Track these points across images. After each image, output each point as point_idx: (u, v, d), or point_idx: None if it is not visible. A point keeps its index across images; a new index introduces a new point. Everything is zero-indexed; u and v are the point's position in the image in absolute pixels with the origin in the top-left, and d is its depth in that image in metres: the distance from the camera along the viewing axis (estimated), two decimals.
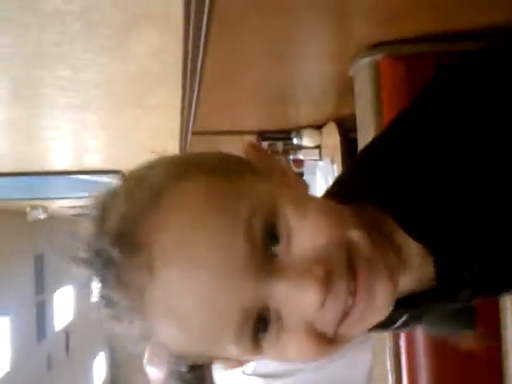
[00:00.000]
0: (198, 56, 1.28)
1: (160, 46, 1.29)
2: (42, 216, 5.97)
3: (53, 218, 7.04)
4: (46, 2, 1.06)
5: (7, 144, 2.51)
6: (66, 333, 9.18)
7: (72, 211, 7.19)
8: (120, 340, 0.51)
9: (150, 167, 0.48)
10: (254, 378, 1.26)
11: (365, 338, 1.23)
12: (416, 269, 0.51)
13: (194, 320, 0.43)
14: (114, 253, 0.44)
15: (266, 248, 0.43)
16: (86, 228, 0.49)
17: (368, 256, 0.44)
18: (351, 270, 0.43)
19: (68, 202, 6.02)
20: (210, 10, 1.03)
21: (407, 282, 0.51)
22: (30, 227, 6.61)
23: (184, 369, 1.34)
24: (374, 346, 1.23)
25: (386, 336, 1.23)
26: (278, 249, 0.43)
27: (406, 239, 0.50)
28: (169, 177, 0.45)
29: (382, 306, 0.44)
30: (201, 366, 1.34)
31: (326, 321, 0.44)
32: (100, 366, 12.13)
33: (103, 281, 0.48)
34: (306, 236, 0.43)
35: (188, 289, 0.42)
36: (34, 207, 5.76)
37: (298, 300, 0.42)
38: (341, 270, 0.43)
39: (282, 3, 1.02)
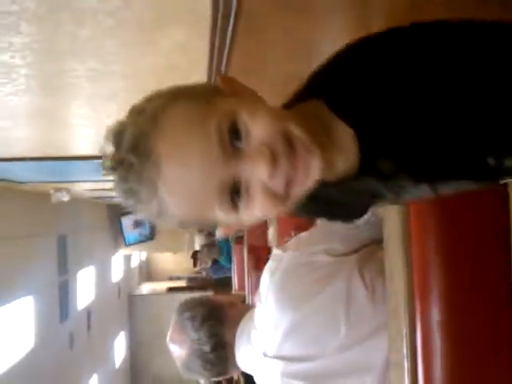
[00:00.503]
0: (223, 51, 1.33)
1: (187, 42, 1.35)
2: (66, 198, 6.09)
3: (76, 201, 7.19)
4: (82, 0, 1.13)
5: (36, 131, 2.59)
6: (88, 312, 9.38)
7: (94, 194, 7.32)
8: None
9: (149, 100, 0.68)
10: (275, 360, 1.30)
11: (383, 325, 1.27)
12: (347, 150, 0.71)
13: (190, 193, 0.64)
14: (132, 158, 0.63)
15: (232, 143, 0.63)
16: (108, 148, 0.67)
17: (303, 140, 0.63)
18: (291, 150, 0.63)
19: (91, 185, 6.14)
20: (237, 7, 1.08)
21: (342, 162, 0.72)
22: (53, 209, 6.75)
23: (207, 349, 1.39)
24: (389, 331, 1.28)
25: (402, 321, 1.27)
26: (240, 143, 0.63)
27: (338, 125, 0.70)
28: (161, 105, 0.65)
29: (313, 175, 0.65)
30: (223, 347, 1.41)
31: (277, 185, 0.64)
32: (120, 345, 12.39)
33: (127, 180, 0.65)
34: (257, 130, 0.63)
35: (183, 173, 0.63)
36: (57, 190, 5.88)
37: (256, 172, 0.63)
38: (283, 150, 0.63)
39: (305, 4, 1.07)
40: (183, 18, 1.23)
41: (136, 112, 0.67)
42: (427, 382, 1.19)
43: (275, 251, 1.44)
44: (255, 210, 0.66)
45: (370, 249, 1.40)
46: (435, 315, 1.24)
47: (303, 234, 1.44)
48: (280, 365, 1.29)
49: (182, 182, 0.63)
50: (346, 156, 0.71)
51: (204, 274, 9.21)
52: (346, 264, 1.32)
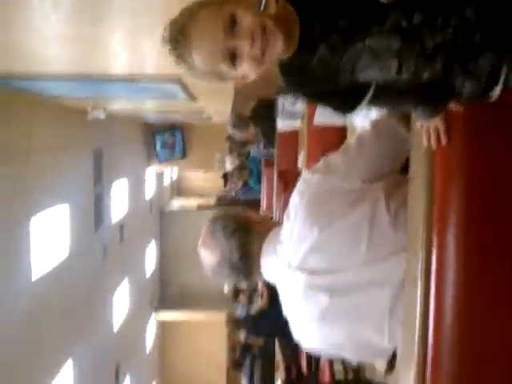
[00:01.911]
0: None
1: None
2: (102, 116, 6.23)
3: (111, 118, 7.32)
4: None
5: (75, 53, 2.67)
6: (121, 224, 9.75)
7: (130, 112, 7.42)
8: None
9: (186, 8, 1.04)
10: (298, 272, 1.41)
11: (402, 248, 1.36)
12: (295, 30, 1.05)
13: (207, 52, 1.02)
14: (179, 37, 1.02)
15: (231, 27, 0.99)
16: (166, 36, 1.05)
17: (271, 28, 0.99)
18: (264, 33, 0.99)
19: (127, 103, 6.25)
20: None
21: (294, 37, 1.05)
22: (90, 125, 6.92)
23: (235, 256, 1.50)
24: (408, 254, 1.37)
25: (419, 247, 1.36)
26: (236, 27, 0.99)
27: (293, 15, 1.04)
28: (193, 11, 1.02)
29: (278, 46, 1.01)
30: (250, 256, 1.52)
31: (256, 52, 1.00)
32: (151, 257, 12.93)
33: (176, 49, 1.03)
34: (245, 22, 0.99)
35: (203, 42, 1.02)
36: (95, 107, 6.01)
37: (243, 44, 0.99)
38: (259, 33, 0.99)
39: None
40: None
41: (180, 12, 1.04)
42: (438, 298, 1.32)
43: (305, 173, 1.53)
44: (245, 67, 1.02)
45: (398, 179, 1.50)
46: (450, 245, 1.34)
47: (331, 158, 1.52)
48: (303, 276, 1.41)
49: (203, 47, 1.02)
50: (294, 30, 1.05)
51: (234, 194, 9.39)
52: (373, 191, 1.42)
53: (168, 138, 11.16)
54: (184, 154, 11.37)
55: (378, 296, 1.39)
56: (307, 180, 1.49)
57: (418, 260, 1.31)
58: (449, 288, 1.28)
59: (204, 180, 16.71)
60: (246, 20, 0.99)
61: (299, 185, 1.50)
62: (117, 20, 1.94)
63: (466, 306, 1.26)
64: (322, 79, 1.08)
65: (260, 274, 1.54)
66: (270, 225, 1.63)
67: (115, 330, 9.55)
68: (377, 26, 1.00)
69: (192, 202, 15.37)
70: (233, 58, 1.01)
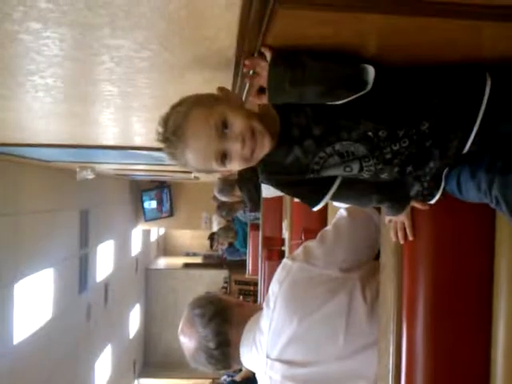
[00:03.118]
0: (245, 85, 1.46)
1: (213, 79, 1.48)
2: (90, 176, 6.28)
3: (99, 177, 7.38)
4: (121, 47, 1.27)
5: (67, 127, 2.75)
6: (105, 285, 9.65)
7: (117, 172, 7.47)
8: None
9: (180, 104, 1.13)
10: (277, 363, 1.44)
11: (377, 340, 1.41)
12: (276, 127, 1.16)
13: (200, 154, 1.10)
14: (172, 138, 1.09)
15: (223, 131, 1.07)
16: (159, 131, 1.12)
17: (260, 130, 1.08)
18: (253, 135, 1.08)
19: (115, 166, 6.33)
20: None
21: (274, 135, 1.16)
22: (77, 185, 6.96)
23: (212, 345, 1.53)
24: (379, 348, 1.42)
25: (390, 340, 1.41)
26: (227, 131, 1.07)
27: (275, 115, 1.15)
28: (186, 110, 1.09)
29: (266, 146, 1.10)
30: (228, 345, 1.54)
31: (245, 153, 1.09)
32: (135, 317, 12.72)
33: (169, 147, 1.11)
34: (236, 125, 1.07)
35: (197, 144, 1.09)
36: (83, 168, 6.08)
37: (234, 147, 1.08)
38: (249, 136, 1.08)
39: None
40: (209, 62, 1.37)
41: (173, 110, 1.11)
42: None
43: (285, 261, 1.58)
44: (235, 165, 1.12)
45: (373, 266, 1.55)
46: (419, 338, 1.39)
47: (311, 245, 1.58)
48: (281, 367, 1.43)
49: (196, 148, 1.09)
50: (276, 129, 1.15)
51: (220, 253, 9.39)
52: (350, 281, 1.47)
53: (155, 196, 11.22)
54: (171, 213, 11.41)
55: None
56: (287, 267, 1.54)
57: (388, 354, 1.35)
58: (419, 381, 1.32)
59: (191, 238, 16.68)
60: (237, 124, 1.06)
61: (279, 272, 1.54)
62: (107, 100, 2.02)
63: None
64: (294, 173, 1.18)
65: (238, 361, 1.56)
66: (252, 308, 1.65)
67: None
68: (346, 134, 1.10)
69: (178, 261, 15.28)
70: (223, 157, 1.09)
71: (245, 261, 7.92)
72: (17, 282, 5.75)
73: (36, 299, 6.49)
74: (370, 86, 1.03)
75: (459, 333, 1.35)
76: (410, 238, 1.31)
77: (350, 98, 1.04)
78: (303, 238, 2.96)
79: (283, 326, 1.44)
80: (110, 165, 6.04)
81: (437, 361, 1.35)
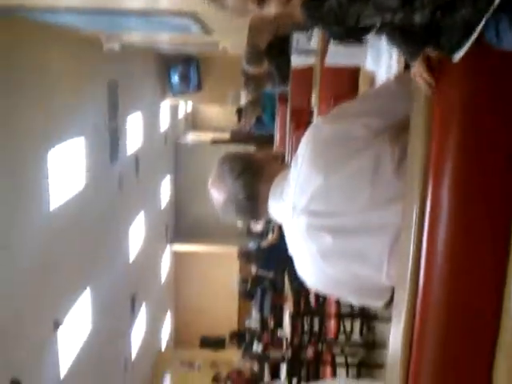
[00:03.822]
0: None
1: None
2: (117, 47, 6.19)
3: (126, 49, 7.25)
4: None
5: None
6: (136, 157, 9.84)
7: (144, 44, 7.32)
8: None
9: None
10: (303, 214, 1.46)
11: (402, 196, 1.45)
12: None
13: None
14: None
15: None
16: None
17: None
18: None
19: (141, 35, 6.18)
20: None
21: None
22: (105, 56, 6.88)
23: (241, 197, 1.58)
24: (404, 201, 1.44)
25: (416, 195, 1.42)
26: None
27: None
28: None
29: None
30: (256, 198, 1.57)
31: None
32: (166, 188, 13.11)
33: None
34: None
35: None
36: (110, 38, 5.97)
37: None
38: None
39: None
40: None
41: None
42: (430, 243, 1.39)
43: (316, 121, 1.57)
44: (271, 7, 1.04)
45: (403, 126, 1.54)
46: (444, 195, 1.40)
47: (345, 105, 1.56)
48: (307, 218, 1.46)
49: None
50: None
51: (248, 128, 9.41)
52: (380, 140, 1.47)
53: (183, 70, 11.04)
54: (199, 87, 11.29)
55: (378, 240, 1.44)
56: (316, 128, 1.53)
57: (413, 207, 1.37)
58: (441, 233, 1.35)
59: (218, 114, 16.66)
60: None
61: (308, 132, 1.54)
62: None
63: (456, 251, 1.33)
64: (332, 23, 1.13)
65: (267, 214, 1.59)
66: (280, 167, 1.67)
67: (131, 260, 9.86)
68: None
69: (206, 136, 15.40)
70: None
71: (272, 136, 7.95)
72: (50, 149, 5.89)
73: (69, 167, 6.67)
74: None
75: (485, 194, 1.35)
76: (432, 84, 1.28)
77: None
78: (332, 101, 2.91)
79: (309, 180, 1.46)
80: (136, 34, 5.90)
81: (459, 219, 1.37)
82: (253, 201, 1.58)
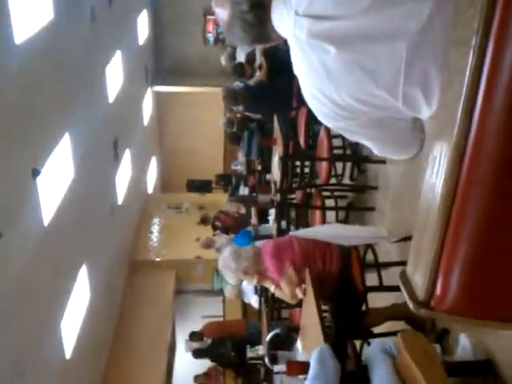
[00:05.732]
0: None
1: None
2: None
3: None
4: None
5: None
6: None
7: None
8: None
9: None
10: (305, 19, 1.34)
11: None
12: None
13: None
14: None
15: None
16: None
17: None
18: None
19: None
20: None
21: None
22: None
23: (245, 8, 1.50)
24: None
25: None
26: None
27: None
28: None
29: None
30: (261, 8, 1.47)
31: None
32: (143, 24, 12.25)
33: None
34: None
35: None
36: None
37: None
38: None
39: None
40: None
41: None
42: (495, 62, 1.02)
43: None
44: None
45: None
46: None
47: None
48: (308, 23, 1.34)
49: None
50: None
51: None
52: None
53: None
54: None
55: (390, 49, 1.26)
56: None
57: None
58: None
59: None
60: None
61: None
62: None
63: None
64: None
65: (273, 30, 1.48)
66: None
67: (110, 101, 9.38)
68: None
69: None
70: None
71: None
72: None
73: None
74: None
75: None
76: None
77: None
78: None
79: None
80: None
81: None
82: (258, 11, 1.48)
